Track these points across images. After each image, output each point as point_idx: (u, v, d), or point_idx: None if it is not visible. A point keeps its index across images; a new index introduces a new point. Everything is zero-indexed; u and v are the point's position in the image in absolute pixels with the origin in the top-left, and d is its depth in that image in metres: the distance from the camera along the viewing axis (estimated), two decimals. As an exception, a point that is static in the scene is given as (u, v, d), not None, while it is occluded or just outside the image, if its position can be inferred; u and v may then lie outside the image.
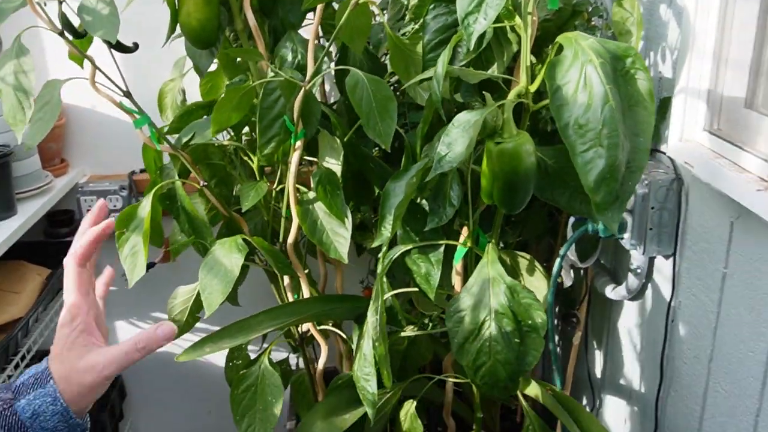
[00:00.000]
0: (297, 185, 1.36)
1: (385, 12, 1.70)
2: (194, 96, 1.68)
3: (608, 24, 1.36)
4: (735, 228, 1.07)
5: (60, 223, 2.02)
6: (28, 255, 1.91)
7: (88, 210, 1.98)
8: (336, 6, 1.40)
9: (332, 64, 1.58)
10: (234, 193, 1.60)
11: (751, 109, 1.06)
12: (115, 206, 2.02)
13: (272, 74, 1.31)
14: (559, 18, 1.33)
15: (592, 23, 1.40)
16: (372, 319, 1.19)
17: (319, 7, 1.27)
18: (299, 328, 1.57)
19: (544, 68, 0.99)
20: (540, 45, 1.37)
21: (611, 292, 1.45)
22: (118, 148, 2.08)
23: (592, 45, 0.90)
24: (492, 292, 1.12)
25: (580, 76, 0.89)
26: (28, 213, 1.74)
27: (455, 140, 1.01)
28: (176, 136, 1.46)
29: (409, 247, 1.25)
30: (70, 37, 1.26)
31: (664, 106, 1.25)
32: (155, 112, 1.64)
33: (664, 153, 1.25)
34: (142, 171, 2.08)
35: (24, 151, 1.79)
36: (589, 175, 0.87)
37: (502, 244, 1.52)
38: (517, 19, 1.06)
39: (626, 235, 1.27)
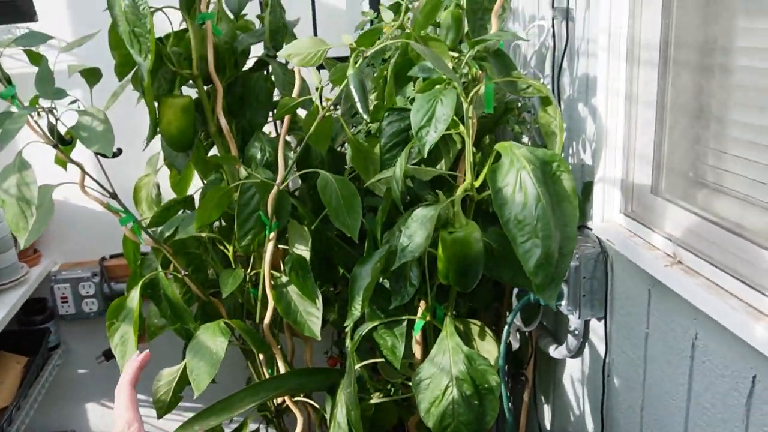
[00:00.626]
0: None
1: (338, 107, 1.89)
2: (163, 186, 1.82)
3: (536, 119, 1.57)
4: (652, 294, 1.26)
5: (34, 312, 2.11)
6: (4, 344, 1.99)
7: (61, 297, 2.09)
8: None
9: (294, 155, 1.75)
10: (208, 276, 1.73)
11: (657, 195, 1.27)
12: (87, 292, 2.12)
13: (246, 174, 1.48)
14: (494, 114, 1.53)
15: (522, 117, 1.61)
16: (347, 390, 1.34)
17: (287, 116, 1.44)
18: (275, 401, 1.70)
19: (486, 168, 1.18)
20: (479, 137, 1.57)
21: (554, 351, 1.63)
22: (87, 236, 2.19)
23: (524, 153, 1.09)
24: (452, 361, 1.28)
25: (517, 179, 1.08)
26: (8, 305, 1.83)
27: (415, 233, 1.19)
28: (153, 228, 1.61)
29: (376, 323, 1.41)
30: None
31: (587, 190, 1.46)
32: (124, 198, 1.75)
33: (591, 229, 1.46)
34: (111, 257, 2.20)
35: (3, 246, 1.89)
36: (529, 262, 1.06)
37: (455, 312, 1.69)
38: (461, 126, 1.25)
39: (563, 302, 1.46)
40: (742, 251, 1.04)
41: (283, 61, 1.66)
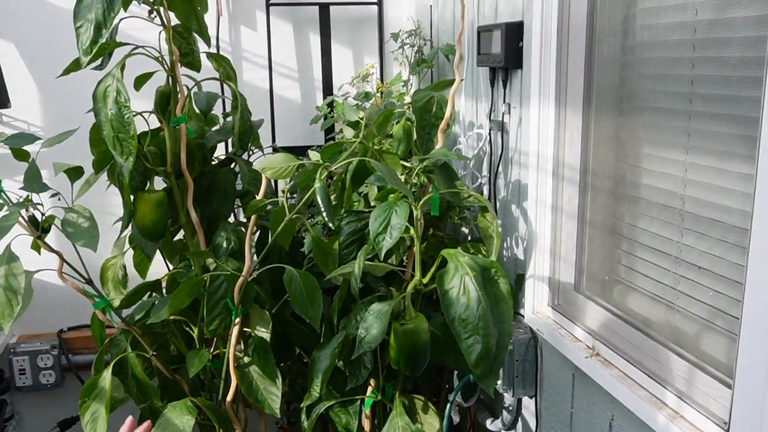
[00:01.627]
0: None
1: (294, 195, 2.05)
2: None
3: (475, 216, 1.77)
4: (576, 378, 1.45)
5: (-10, 384, 2.16)
6: (-41, 417, 2.04)
7: (19, 369, 2.15)
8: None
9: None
10: (170, 352, 1.84)
11: (579, 293, 1.48)
12: (46, 364, 2.19)
13: (212, 262, 1.62)
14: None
15: (464, 214, 1.81)
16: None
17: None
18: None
19: (433, 268, 1.37)
20: (425, 230, 1.76)
21: (491, 424, 1.80)
22: (45, 308, 2.26)
23: (467, 261, 1.28)
24: (402, 438, 1.44)
25: (461, 284, 1.26)
26: (-29, 380, 1.90)
27: (371, 325, 1.35)
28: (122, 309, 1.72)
29: (332, 402, 1.55)
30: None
31: (519, 281, 1.65)
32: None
33: (523, 317, 1.65)
34: (70, 329, 2.27)
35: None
36: (471, 355, 1.23)
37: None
38: (411, 230, 1.43)
39: (499, 382, 1.64)
40: (649, 348, 1.24)
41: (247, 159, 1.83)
